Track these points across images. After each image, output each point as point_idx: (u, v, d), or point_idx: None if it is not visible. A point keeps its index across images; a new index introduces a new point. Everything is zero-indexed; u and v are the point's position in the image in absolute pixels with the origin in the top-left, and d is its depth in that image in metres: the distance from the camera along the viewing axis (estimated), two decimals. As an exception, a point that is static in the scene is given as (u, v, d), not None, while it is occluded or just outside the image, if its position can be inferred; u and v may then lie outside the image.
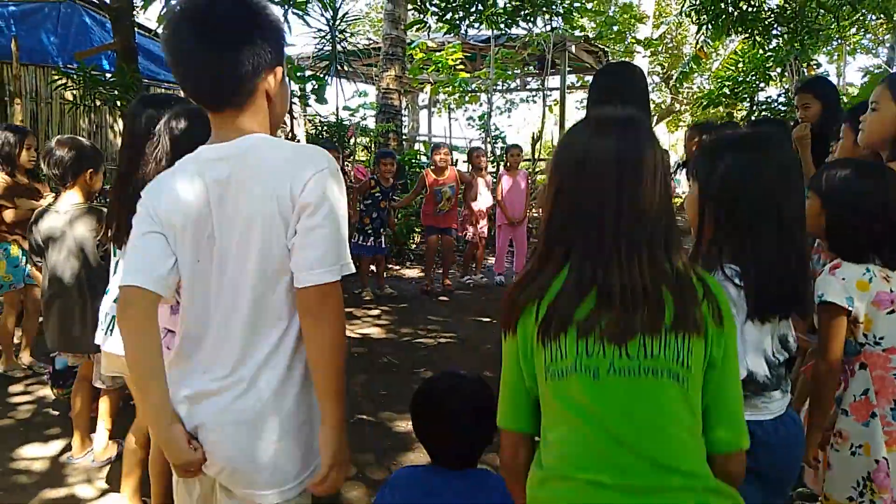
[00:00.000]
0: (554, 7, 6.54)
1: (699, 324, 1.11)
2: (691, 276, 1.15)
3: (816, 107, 3.37)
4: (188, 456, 1.33)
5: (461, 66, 12.69)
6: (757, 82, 11.82)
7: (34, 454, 3.14)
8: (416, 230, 8.80)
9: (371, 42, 13.83)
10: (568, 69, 13.43)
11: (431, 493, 1.59)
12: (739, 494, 1.16)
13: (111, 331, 2.25)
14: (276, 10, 1.44)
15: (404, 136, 12.41)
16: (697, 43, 10.33)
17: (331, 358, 1.33)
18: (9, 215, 4.04)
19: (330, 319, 1.31)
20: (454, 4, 6.62)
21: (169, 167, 1.50)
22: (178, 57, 1.30)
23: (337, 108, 10.44)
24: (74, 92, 6.37)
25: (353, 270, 1.36)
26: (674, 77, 18.37)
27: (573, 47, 12.87)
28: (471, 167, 7.72)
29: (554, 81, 14.86)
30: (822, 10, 7.76)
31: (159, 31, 7.45)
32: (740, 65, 13.12)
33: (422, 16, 6.86)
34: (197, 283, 1.37)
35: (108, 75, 6.62)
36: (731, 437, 1.17)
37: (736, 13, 7.69)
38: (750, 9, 7.86)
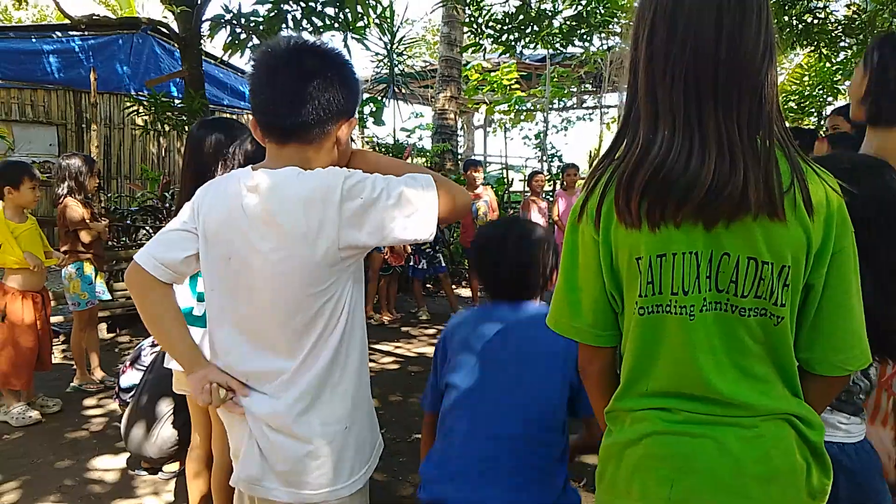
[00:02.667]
0: (611, 26, 6.49)
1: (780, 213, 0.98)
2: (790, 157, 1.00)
3: (846, 129, 3.29)
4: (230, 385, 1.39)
5: (516, 86, 12.74)
6: (825, 96, 11.40)
7: (106, 465, 3.27)
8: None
9: (427, 64, 14.02)
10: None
11: (492, 318, 1.74)
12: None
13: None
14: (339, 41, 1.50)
15: (459, 157, 12.49)
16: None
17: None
18: (85, 236, 4.24)
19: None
20: (509, 26, 6.65)
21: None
22: (263, 88, 1.37)
23: (394, 130, 10.60)
24: (145, 118, 6.66)
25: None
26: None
27: (630, 64, 12.72)
28: (529, 191, 7.73)
29: (611, 98, 14.76)
30: (895, 20, 7.44)
31: (224, 58, 7.76)
32: (806, 78, 12.74)
33: (477, 38, 6.90)
34: (224, 290, 1.42)
35: (177, 101, 6.89)
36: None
37: (801, 26, 7.46)
38: (815, 21, 7.62)
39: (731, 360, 1.04)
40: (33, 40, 10.30)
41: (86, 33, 10.39)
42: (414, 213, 1.34)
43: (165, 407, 3.09)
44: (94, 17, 7.41)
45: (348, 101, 1.40)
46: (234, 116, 13.04)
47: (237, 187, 1.38)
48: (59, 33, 10.62)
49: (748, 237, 0.99)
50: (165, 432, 3.06)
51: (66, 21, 7.39)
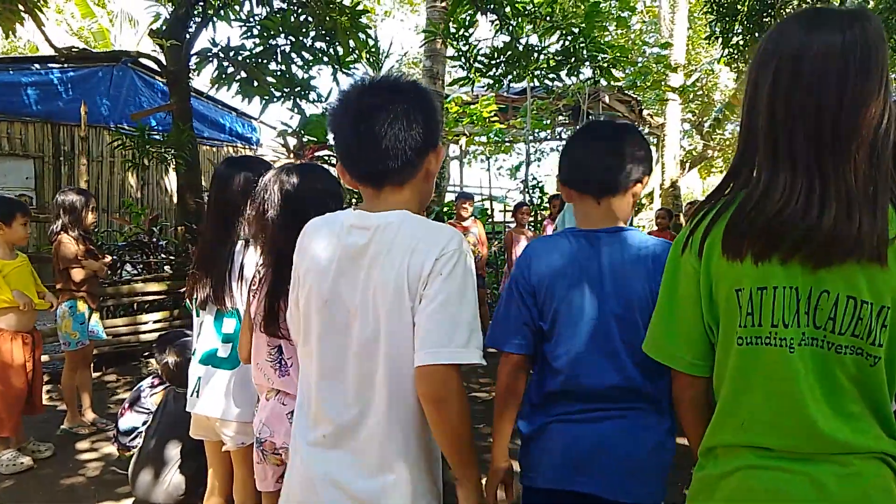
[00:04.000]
0: (597, 61, 6.63)
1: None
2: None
3: None
4: None
5: (495, 118, 12.87)
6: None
7: (105, 514, 3.13)
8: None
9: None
10: (601, 118, 13.56)
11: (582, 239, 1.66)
12: None
13: (198, 393, 2.24)
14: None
15: (452, 189, 12.53)
16: (735, 91, 10.35)
17: (454, 440, 1.30)
18: (78, 274, 4.13)
19: (450, 402, 1.25)
20: (499, 61, 6.75)
21: (280, 221, 1.72)
22: (346, 137, 1.36)
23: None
24: (131, 151, 6.58)
25: (477, 360, 1.27)
26: (706, 124, 18.43)
27: (606, 97, 13.02)
28: (515, 223, 7.75)
29: (587, 131, 15.03)
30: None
31: (211, 92, 7.74)
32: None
33: (466, 72, 6.98)
34: (314, 334, 1.41)
35: (164, 135, 6.83)
36: None
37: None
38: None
39: (826, 397, 1.05)
40: (10, 72, 10.14)
41: (65, 65, 10.28)
42: (443, 336, 1.25)
43: (175, 452, 3.00)
44: (73, 50, 7.34)
45: (433, 132, 1.38)
46: (214, 149, 12.96)
47: (341, 229, 1.38)
48: (37, 65, 10.49)
49: (850, 278, 1.02)
50: (176, 478, 2.96)
51: (46, 53, 7.33)
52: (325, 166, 3.69)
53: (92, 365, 4.66)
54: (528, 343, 1.64)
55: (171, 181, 11.97)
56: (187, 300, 2.37)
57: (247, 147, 13.91)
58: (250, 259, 2.13)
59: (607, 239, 1.62)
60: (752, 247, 1.05)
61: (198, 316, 2.34)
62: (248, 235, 2.14)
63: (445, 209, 10.41)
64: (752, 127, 1.10)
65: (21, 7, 5.45)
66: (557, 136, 19.50)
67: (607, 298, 1.56)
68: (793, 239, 1.02)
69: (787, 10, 7.38)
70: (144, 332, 6.01)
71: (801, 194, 1.02)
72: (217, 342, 2.22)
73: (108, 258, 4.50)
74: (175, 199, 11.60)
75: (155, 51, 6.93)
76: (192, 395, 2.28)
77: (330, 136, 1.42)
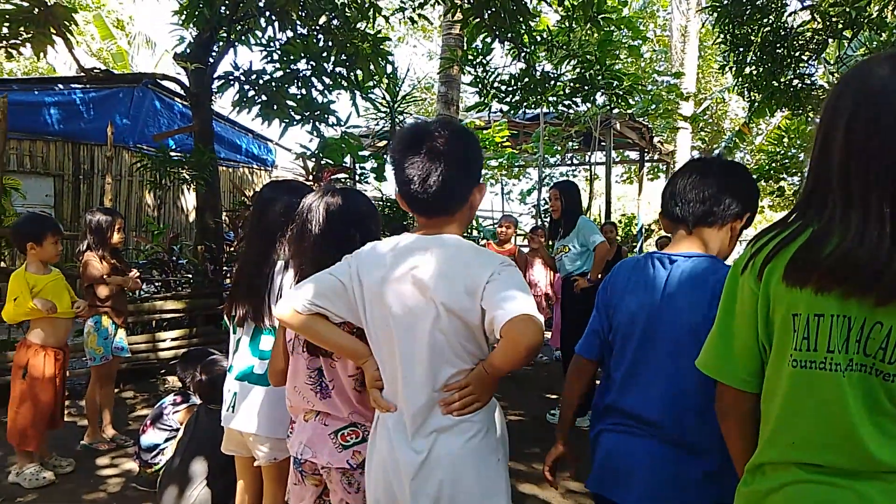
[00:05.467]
0: (612, 88, 6.73)
1: None
2: None
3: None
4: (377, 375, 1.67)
5: (507, 144, 12.99)
6: (807, 158, 11.80)
7: (128, 530, 3.16)
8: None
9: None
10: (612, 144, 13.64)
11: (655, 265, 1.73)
12: None
13: (233, 408, 2.29)
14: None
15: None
16: (751, 119, 10.43)
17: (518, 356, 1.47)
18: (103, 291, 4.21)
19: (526, 339, 1.42)
20: (515, 88, 6.86)
21: (323, 240, 1.85)
22: (405, 172, 1.59)
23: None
24: (153, 171, 6.69)
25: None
26: (716, 152, 18.50)
27: (618, 124, 13.13)
28: (529, 248, 7.81)
29: (598, 156, 15.11)
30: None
31: (231, 115, 7.87)
32: (785, 140, 13.19)
33: (483, 98, 7.10)
34: (376, 343, 1.65)
35: (186, 155, 6.94)
36: None
37: (791, 90, 7.80)
38: (802, 86, 7.97)
39: (872, 420, 1.08)
40: (35, 92, 10.35)
41: (87, 86, 10.48)
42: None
43: (200, 468, 3.03)
44: (97, 71, 7.49)
45: (479, 171, 1.67)
46: (231, 170, 13.11)
47: (400, 249, 1.62)
48: (60, 86, 10.70)
49: None
50: (201, 495, 2.99)
51: (63, 74, 7.50)
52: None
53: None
54: (593, 349, 1.79)
55: (186, 200, 12.12)
56: (225, 317, 2.42)
57: (262, 168, 14.06)
58: (289, 280, 2.17)
59: (681, 262, 1.67)
60: (817, 281, 1.08)
61: (234, 333, 2.38)
62: (287, 257, 2.20)
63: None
64: (825, 163, 1.12)
65: (53, 30, 5.60)
66: (569, 162, 19.64)
67: (663, 321, 1.62)
68: (859, 280, 1.04)
69: (800, 41, 7.49)
70: (162, 350, 6.06)
71: (872, 236, 1.04)
72: (254, 359, 2.27)
73: (135, 271, 4.57)
74: (190, 218, 11.80)
75: (178, 73, 7.07)
76: (227, 411, 2.32)
77: (387, 168, 1.60)
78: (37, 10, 5.34)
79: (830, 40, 7.59)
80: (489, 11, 6.24)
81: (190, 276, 6.84)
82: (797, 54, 7.52)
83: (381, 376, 1.66)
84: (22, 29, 5.49)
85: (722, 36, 7.56)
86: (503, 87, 6.98)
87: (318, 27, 6.63)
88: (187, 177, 6.79)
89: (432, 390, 1.57)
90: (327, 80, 6.90)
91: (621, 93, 6.81)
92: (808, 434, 1.12)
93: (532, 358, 1.51)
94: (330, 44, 6.55)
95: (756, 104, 8.40)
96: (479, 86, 7.00)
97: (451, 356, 1.55)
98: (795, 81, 7.92)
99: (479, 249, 1.65)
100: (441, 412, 1.56)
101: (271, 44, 6.86)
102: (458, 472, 1.55)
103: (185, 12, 6.41)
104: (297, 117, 6.87)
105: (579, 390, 1.84)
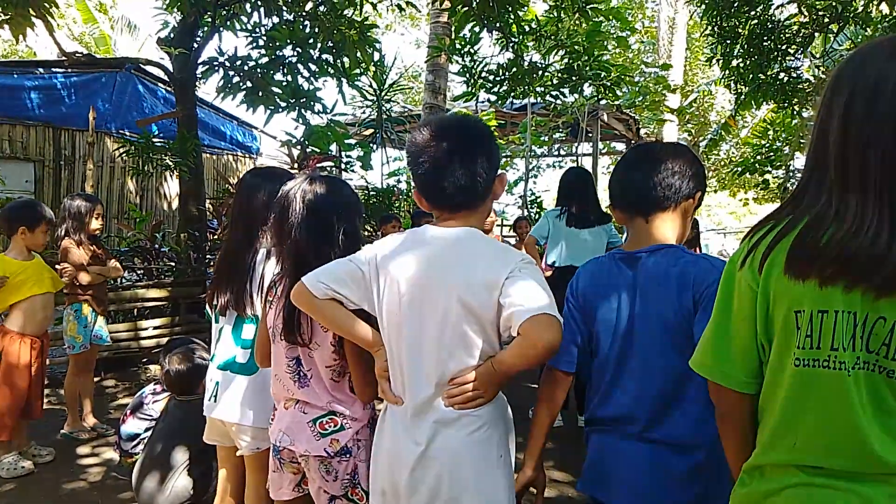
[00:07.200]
0: (600, 79, 6.72)
1: None
2: None
3: None
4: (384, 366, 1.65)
5: (494, 134, 12.96)
6: (792, 151, 11.89)
7: (108, 519, 3.13)
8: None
9: (406, 110, 14.22)
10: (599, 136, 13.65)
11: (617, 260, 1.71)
12: None
13: (216, 398, 2.26)
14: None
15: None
16: (736, 112, 10.48)
17: (535, 354, 1.44)
18: (84, 278, 4.14)
19: (546, 337, 1.40)
20: (503, 77, 6.83)
21: (303, 229, 1.83)
22: (425, 168, 1.58)
23: (381, 174, 10.67)
24: (135, 157, 6.60)
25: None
26: (702, 145, 18.60)
27: (605, 115, 13.13)
28: (517, 237, 7.84)
29: (584, 147, 15.12)
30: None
31: (215, 101, 7.77)
32: (770, 133, 13.27)
33: (471, 88, 7.07)
34: (387, 332, 1.62)
35: (169, 142, 6.85)
36: None
37: (777, 83, 7.83)
38: (789, 79, 8.01)
39: (878, 420, 1.05)
40: (14, 76, 10.15)
41: (69, 70, 10.30)
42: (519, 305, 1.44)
43: (181, 456, 3.00)
44: (79, 55, 7.36)
45: (498, 162, 1.64)
46: (215, 157, 12.98)
47: (421, 241, 1.61)
48: (41, 70, 10.51)
49: None
50: (180, 483, 2.97)
51: (45, 58, 7.37)
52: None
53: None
54: (572, 362, 1.71)
55: (169, 187, 11.98)
56: (207, 306, 2.39)
57: (247, 156, 13.93)
58: (271, 269, 2.15)
59: (644, 259, 1.63)
60: (819, 270, 1.04)
61: (217, 322, 2.36)
62: (269, 245, 2.17)
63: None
64: (823, 151, 1.10)
65: (32, 12, 5.49)
66: (556, 153, 19.66)
67: (638, 322, 1.59)
68: (861, 267, 1.02)
69: (787, 35, 7.52)
70: (144, 338, 6.00)
71: (872, 223, 1.02)
72: (236, 348, 2.24)
73: (114, 261, 4.51)
74: (173, 206, 11.66)
75: (162, 58, 6.96)
76: (209, 400, 2.29)
77: (405, 163, 1.59)
78: (15, -10, 5.23)
79: (817, 34, 7.64)
80: (477, 0, 6.20)
81: (173, 264, 6.77)
82: (784, 47, 7.55)
83: (389, 367, 1.64)
84: (0, 10, 5.37)
85: (709, 28, 7.57)
86: (491, 77, 6.96)
87: (304, 13, 6.55)
88: (171, 163, 6.71)
89: (437, 383, 1.54)
90: (313, 67, 6.83)
91: (609, 84, 6.81)
92: (810, 435, 1.08)
93: (548, 359, 1.47)
94: (316, 30, 6.48)
95: (742, 97, 8.42)
96: (467, 75, 6.96)
97: (459, 351, 1.53)
98: (782, 74, 7.97)
99: (500, 245, 1.63)
100: (443, 404, 1.54)
101: (257, 29, 6.77)
102: (457, 465, 1.53)
103: (168, -4, 6.30)
104: (283, 104, 6.80)
105: (556, 409, 1.73)
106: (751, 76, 7.90)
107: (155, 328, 6.08)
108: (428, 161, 1.57)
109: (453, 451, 1.53)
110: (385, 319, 1.62)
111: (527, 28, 6.87)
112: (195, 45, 6.64)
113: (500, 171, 1.66)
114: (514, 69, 6.83)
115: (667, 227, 1.66)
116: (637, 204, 1.67)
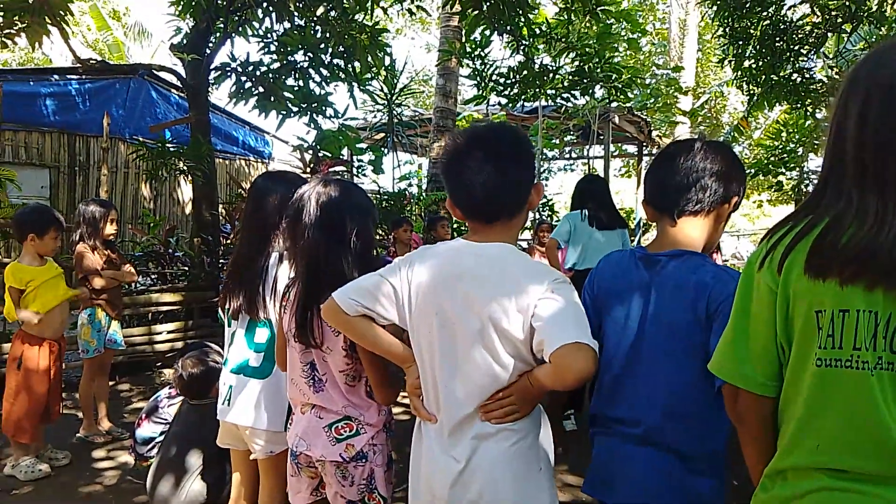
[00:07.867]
0: (611, 81, 6.70)
1: None
2: None
3: None
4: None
5: (506, 136, 12.93)
6: (805, 152, 11.79)
7: (124, 522, 3.15)
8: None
9: (416, 114, 14.25)
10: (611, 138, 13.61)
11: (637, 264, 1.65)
12: None
13: (230, 401, 2.27)
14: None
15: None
16: (749, 113, 10.43)
17: (565, 383, 1.42)
18: (98, 283, 4.18)
19: (577, 367, 1.36)
20: (514, 80, 6.83)
21: (316, 231, 1.81)
22: (461, 179, 1.53)
23: (393, 178, 10.69)
24: (146, 162, 6.66)
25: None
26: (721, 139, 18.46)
27: (616, 118, 13.09)
28: (536, 241, 7.81)
29: (596, 150, 15.07)
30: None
31: (227, 107, 7.85)
32: (783, 134, 13.16)
33: (481, 91, 7.07)
34: (418, 349, 1.60)
35: (183, 147, 6.91)
36: None
37: (790, 84, 7.77)
38: (801, 80, 7.95)
39: None
40: (31, 83, 10.28)
41: (83, 77, 10.41)
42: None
43: (195, 460, 3.02)
44: (93, 62, 7.43)
45: (534, 171, 1.60)
46: (227, 162, 13.06)
47: (454, 257, 1.56)
48: (56, 77, 10.64)
49: None
50: (195, 487, 2.98)
51: (60, 65, 7.47)
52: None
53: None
54: None
55: (183, 192, 12.07)
56: (220, 310, 2.40)
57: (259, 161, 14.01)
58: (283, 272, 2.16)
59: (664, 263, 1.59)
60: (839, 270, 1.03)
61: (229, 326, 2.37)
62: (282, 249, 2.18)
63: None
64: (840, 152, 1.09)
65: (48, 20, 5.55)
66: (567, 156, 19.62)
67: (650, 326, 1.56)
68: (881, 267, 1.01)
69: (799, 35, 7.46)
70: (159, 343, 6.04)
71: (893, 223, 1.01)
72: (249, 352, 2.25)
73: (129, 266, 4.54)
74: (186, 210, 11.76)
75: (175, 64, 7.02)
76: (223, 404, 2.30)
77: (440, 172, 1.56)
78: (31, -1, 5.30)
79: (830, 34, 7.58)
80: (488, 3, 6.20)
81: (186, 268, 6.82)
82: (796, 48, 7.49)
83: (422, 384, 1.62)
84: (17, 18, 5.43)
85: (721, 29, 7.54)
86: (501, 80, 6.96)
87: (315, 18, 6.59)
88: (184, 168, 6.76)
89: (473, 401, 1.52)
90: (325, 72, 6.86)
91: (620, 86, 6.78)
92: (833, 437, 1.07)
93: (581, 385, 1.43)
94: (328, 35, 6.52)
95: (755, 98, 8.36)
96: (478, 78, 6.97)
97: (494, 369, 1.49)
98: (794, 75, 7.90)
99: (533, 263, 1.57)
100: (480, 418, 1.52)
101: (268, 35, 6.82)
102: (497, 479, 1.50)
103: (181, 2, 6.35)
104: (295, 109, 6.84)
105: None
106: (763, 77, 7.84)
107: (169, 332, 6.13)
108: (463, 171, 1.52)
109: (494, 463, 1.51)
110: (417, 336, 1.59)
111: (537, 31, 6.87)
112: (208, 51, 6.69)
113: (536, 181, 1.60)
114: (525, 72, 6.83)
115: (694, 232, 1.60)
116: (667, 204, 1.61)
